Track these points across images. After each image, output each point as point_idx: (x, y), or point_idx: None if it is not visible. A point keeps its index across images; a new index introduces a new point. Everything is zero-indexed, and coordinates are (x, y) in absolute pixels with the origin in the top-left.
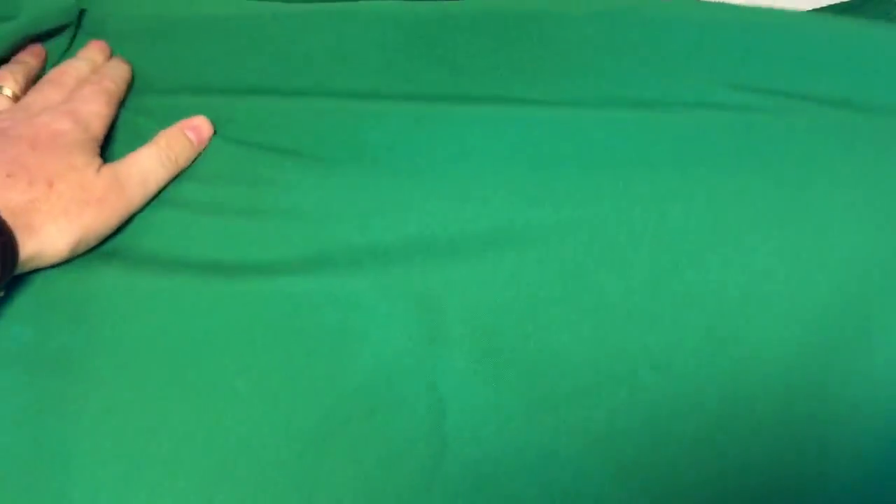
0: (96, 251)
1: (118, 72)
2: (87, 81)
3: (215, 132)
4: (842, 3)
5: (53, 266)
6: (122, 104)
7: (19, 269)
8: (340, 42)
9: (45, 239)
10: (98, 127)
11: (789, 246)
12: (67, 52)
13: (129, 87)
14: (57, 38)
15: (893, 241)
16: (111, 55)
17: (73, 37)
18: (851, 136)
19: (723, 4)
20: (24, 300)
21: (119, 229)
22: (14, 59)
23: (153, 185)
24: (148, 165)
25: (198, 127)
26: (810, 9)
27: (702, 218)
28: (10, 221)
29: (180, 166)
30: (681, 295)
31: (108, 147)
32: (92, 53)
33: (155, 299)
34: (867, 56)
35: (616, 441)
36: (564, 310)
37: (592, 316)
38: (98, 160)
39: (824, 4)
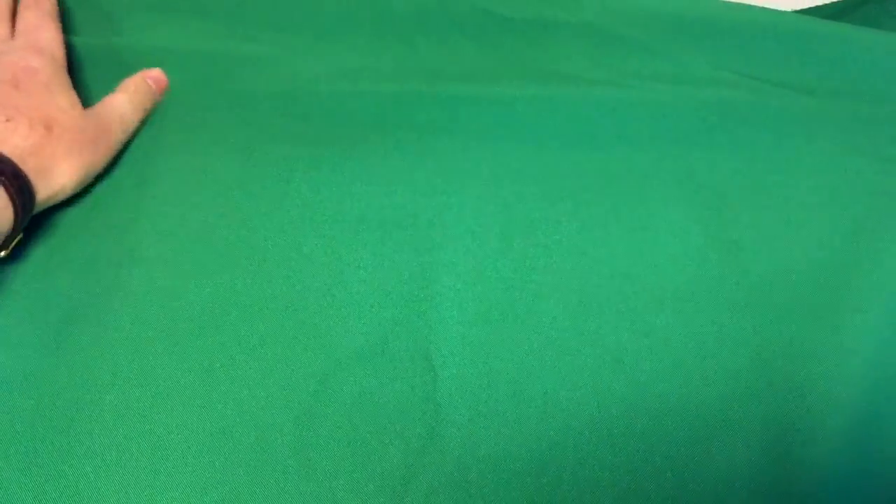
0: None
1: None
2: (24, 7)
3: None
4: (845, 2)
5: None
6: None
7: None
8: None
9: (53, 181)
10: (60, 52)
11: (762, 222)
12: None
13: None
14: None
15: (850, 226)
16: None
17: None
18: (817, 121)
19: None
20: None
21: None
22: None
23: (130, 128)
24: (124, 109)
25: (157, 77)
26: (806, 7)
27: (678, 194)
28: (22, 167)
29: (147, 112)
30: (662, 259)
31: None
32: None
33: (154, 275)
34: (834, 49)
35: (603, 404)
36: (550, 276)
37: (577, 281)
38: (75, 95)
39: (822, 3)
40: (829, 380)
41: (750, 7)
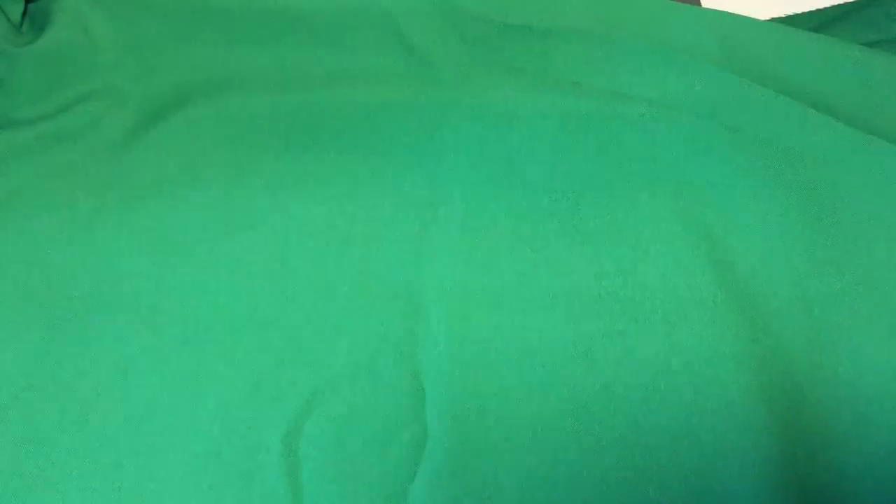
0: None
1: None
2: None
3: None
4: (845, 5)
5: None
6: None
7: None
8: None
9: None
10: None
11: (756, 242)
12: None
13: None
14: None
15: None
16: None
17: None
18: (808, 136)
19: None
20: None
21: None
22: None
23: None
24: None
25: None
26: (809, 10)
27: (670, 210)
28: None
29: None
30: (651, 276)
31: None
32: None
33: (136, 291)
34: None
35: (592, 428)
36: (538, 295)
37: (564, 300)
38: None
39: (828, 5)
40: (830, 410)
41: (750, 20)
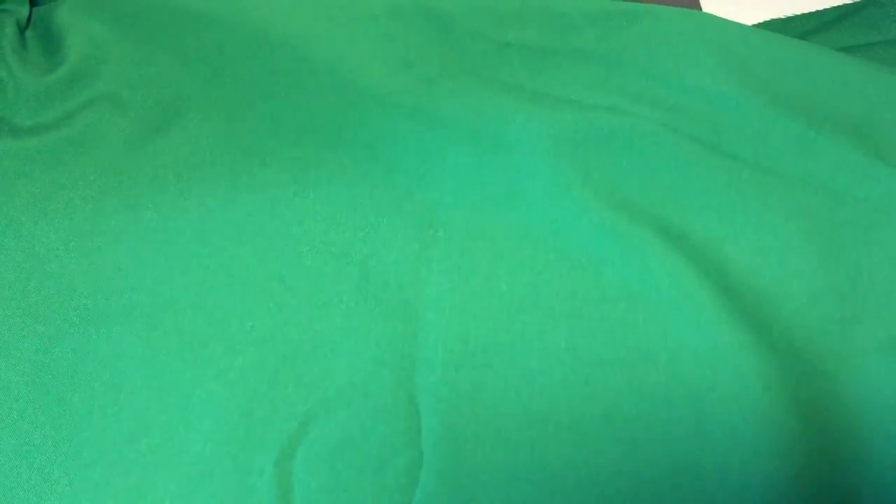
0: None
1: None
2: None
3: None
4: (845, 6)
5: None
6: None
7: None
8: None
9: None
10: None
11: (760, 265)
12: None
13: None
14: None
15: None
16: None
17: None
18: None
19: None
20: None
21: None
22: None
23: None
24: None
25: None
26: (809, 11)
27: (672, 233)
28: None
29: None
30: (654, 300)
31: None
32: None
33: (132, 304)
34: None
35: (591, 457)
36: (538, 316)
37: (566, 322)
38: None
39: (828, 6)
40: (834, 439)
41: (756, 30)
